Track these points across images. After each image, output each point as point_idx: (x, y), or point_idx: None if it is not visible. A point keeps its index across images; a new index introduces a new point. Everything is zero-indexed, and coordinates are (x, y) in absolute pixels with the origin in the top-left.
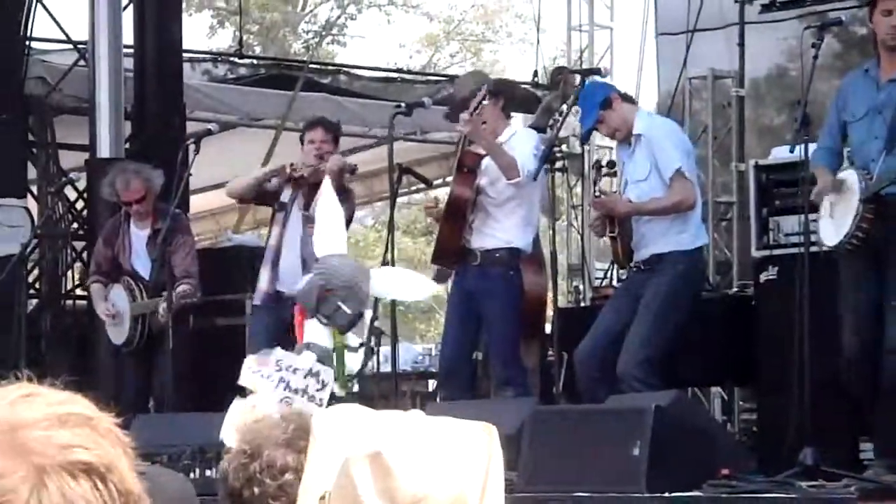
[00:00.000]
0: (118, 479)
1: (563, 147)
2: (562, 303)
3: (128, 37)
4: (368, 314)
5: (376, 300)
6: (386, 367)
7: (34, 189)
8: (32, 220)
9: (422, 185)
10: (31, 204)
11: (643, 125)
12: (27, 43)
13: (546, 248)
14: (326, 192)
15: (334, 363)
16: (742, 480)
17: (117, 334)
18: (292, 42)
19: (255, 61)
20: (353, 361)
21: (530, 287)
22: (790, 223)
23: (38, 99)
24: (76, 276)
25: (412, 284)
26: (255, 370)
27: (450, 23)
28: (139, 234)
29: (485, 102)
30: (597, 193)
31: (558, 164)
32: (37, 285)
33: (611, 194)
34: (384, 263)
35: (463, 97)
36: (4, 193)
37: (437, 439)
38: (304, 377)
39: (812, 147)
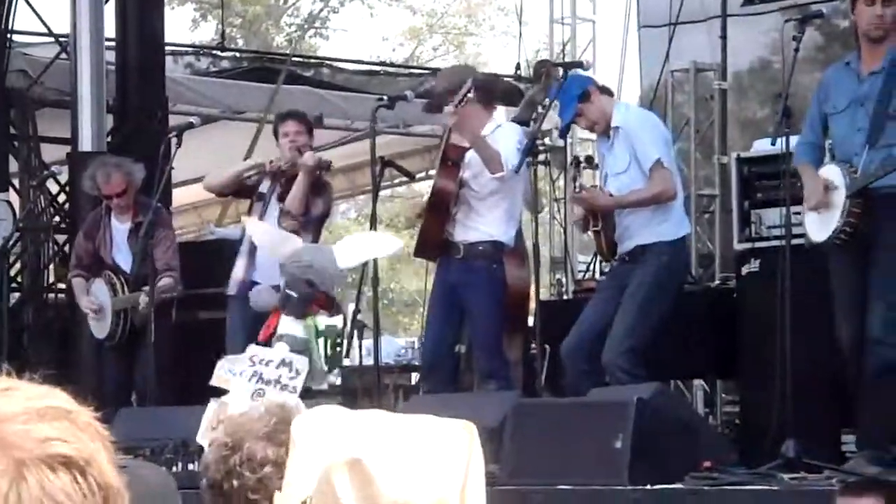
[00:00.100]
0: (98, 472)
1: (546, 140)
2: (544, 296)
3: (110, 30)
4: (351, 306)
5: (359, 290)
6: (368, 361)
7: (16, 182)
8: (14, 214)
9: (404, 179)
10: (13, 197)
11: (621, 117)
12: (9, 36)
13: (528, 240)
14: (252, 227)
15: (310, 349)
16: (724, 473)
17: (99, 328)
18: (275, 35)
19: (237, 54)
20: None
21: (513, 280)
22: (772, 216)
23: (20, 92)
24: (51, 275)
25: (375, 244)
26: (228, 369)
27: (433, 16)
28: (120, 228)
29: (470, 96)
30: (577, 189)
31: (541, 158)
32: (19, 279)
33: (590, 189)
34: None
35: (444, 89)
36: None
37: (416, 442)
38: (277, 367)
39: (794, 140)
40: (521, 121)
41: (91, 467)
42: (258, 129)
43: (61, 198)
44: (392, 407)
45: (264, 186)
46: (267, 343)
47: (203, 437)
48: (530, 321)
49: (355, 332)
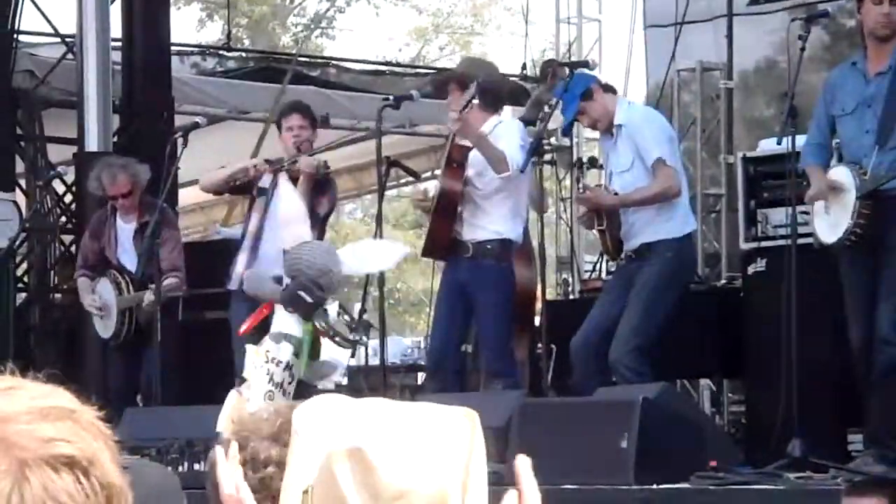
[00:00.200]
0: (100, 472)
1: (552, 140)
2: (551, 295)
3: (116, 30)
4: (357, 307)
5: (365, 289)
6: (375, 360)
7: (22, 183)
8: (21, 214)
9: (410, 178)
10: (20, 197)
11: (624, 115)
12: (15, 36)
13: (535, 240)
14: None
15: (301, 351)
16: (730, 472)
17: (104, 328)
18: (281, 35)
19: (243, 54)
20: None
21: (520, 280)
22: (778, 215)
23: (26, 92)
24: (55, 277)
25: (382, 254)
26: (252, 362)
27: (439, 16)
28: (125, 228)
29: (474, 102)
30: (581, 189)
31: (547, 157)
32: (25, 279)
33: (594, 188)
34: None
35: (449, 76)
36: None
37: (418, 430)
38: (283, 370)
39: (800, 139)
40: (528, 120)
41: (94, 467)
42: (264, 128)
43: (68, 198)
44: None
45: (266, 181)
46: (260, 329)
47: (222, 425)
48: (537, 321)
49: (361, 331)
